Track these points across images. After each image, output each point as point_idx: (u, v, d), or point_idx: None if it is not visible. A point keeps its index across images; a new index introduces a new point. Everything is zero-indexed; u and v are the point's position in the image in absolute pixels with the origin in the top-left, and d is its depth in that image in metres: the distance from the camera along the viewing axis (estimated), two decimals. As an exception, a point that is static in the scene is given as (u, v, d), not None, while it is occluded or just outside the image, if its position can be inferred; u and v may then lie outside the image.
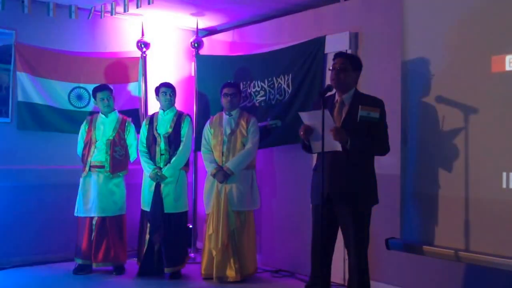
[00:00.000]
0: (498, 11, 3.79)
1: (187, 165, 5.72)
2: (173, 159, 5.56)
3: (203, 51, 6.79)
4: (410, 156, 4.31)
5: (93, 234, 5.64)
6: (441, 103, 4.08)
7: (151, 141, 5.67)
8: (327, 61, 5.34)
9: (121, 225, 5.77)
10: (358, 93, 4.20)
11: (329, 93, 4.06)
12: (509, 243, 3.68)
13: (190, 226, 6.48)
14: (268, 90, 5.99)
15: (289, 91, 5.75)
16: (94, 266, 5.65)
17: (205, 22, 6.91)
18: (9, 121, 6.05)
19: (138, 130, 5.93)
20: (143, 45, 6.62)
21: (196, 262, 6.08)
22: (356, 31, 5.34)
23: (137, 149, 5.79)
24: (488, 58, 3.80)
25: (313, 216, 4.26)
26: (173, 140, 5.64)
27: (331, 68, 4.17)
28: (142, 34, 6.62)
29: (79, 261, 5.68)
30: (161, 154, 5.61)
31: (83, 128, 5.82)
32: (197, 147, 6.13)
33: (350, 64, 4.15)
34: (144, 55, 6.66)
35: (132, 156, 5.89)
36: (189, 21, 6.84)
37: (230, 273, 5.40)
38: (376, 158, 4.17)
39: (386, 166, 4.57)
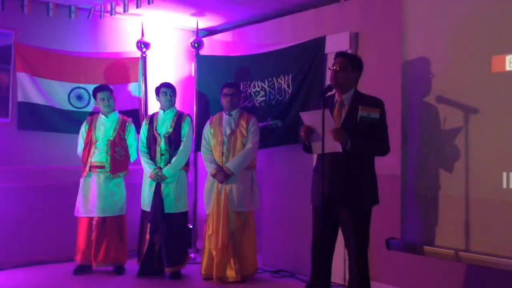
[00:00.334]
0: (498, 11, 3.79)
1: (187, 165, 5.72)
2: (174, 159, 5.56)
3: (203, 51, 6.79)
4: (410, 156, 4.31)
5: (93, 234, 5.64)
6: (441, 103, 4.08)
7: (151, 141, 5.67)
8: (327, 61, 5.34)
9: (121, 225, 5.77)
10: (358, 93, 4.18)
11: (329, 93, 4.05)
12: (509, 243, 3.68)
13: (190, 226, 6.48)
14: (268, 90, 5.99)
15: (289, 91, 5.75)
16: (94, 266, 5.65)
17: (205, 22, 6.91)
18: (9, 121, 6.05)
19: (138, 131, 5.94)
20: (143, 45, 6.62)
21: (196, 262, 6.08)
22: (356, 31, 5.34)
23: (137, 149, 5.79)
24: (489, 58, 3.80)
25: (313, 217, 4.25)
26: (173, 140, 5.64)
27: (330, 68, 4.16)
28: (142, 34, 6.62)
29: (79, 262, 5.68)
30: (161, 154, 5.61)
31: (83, 128, 5.81)
32: (197, 147, 6.13)
33: (349, 63, 4.13)
34: (144, 55, 6.66)
35: (133, 157, 5.89)
36: (189, 21, 6.84)
37: (230, 273, 5.40)
38: (377, 158, 4.17)
39: (386, 166, 4.57)
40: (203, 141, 5.67)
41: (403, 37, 4.39)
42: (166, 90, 5.70)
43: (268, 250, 6.21)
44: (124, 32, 6.82)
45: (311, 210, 4.31)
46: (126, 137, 5.81)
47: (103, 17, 6.31)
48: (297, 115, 4.48)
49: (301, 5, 5.97)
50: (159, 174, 5.52)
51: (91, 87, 6.08)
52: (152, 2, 5.62)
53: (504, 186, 3.71)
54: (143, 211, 5.71)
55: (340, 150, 3.89)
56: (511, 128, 3.69)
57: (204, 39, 6.94)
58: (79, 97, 6.40)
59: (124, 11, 5.97)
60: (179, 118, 5.71)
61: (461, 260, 3.98)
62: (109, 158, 5.68)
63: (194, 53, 6.77)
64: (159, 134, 5.65)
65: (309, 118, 4.01)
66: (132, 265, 5.81)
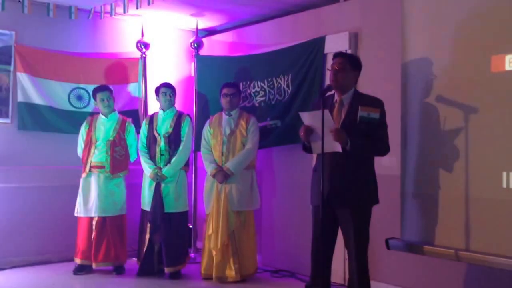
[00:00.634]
0: (498, 11, 3.80)
1: (187, 165, 5.73)
2: (173, 159, 5.57)
3: (203, 52, 6.79)
4: (410, 156, 4.32)
5: (93, 234, 5.64)
6: (441, 103, 4.09)
7: (151, 141, 5.68)
8: (326, 61, 5.35)
9: (121, 225, 5.78)
10: (358, 93, 4.19)
11: (328, 93, 4.06)
12: (509, 242, 3.68)
13: (190, 226, 6.48)
14: (268, 90, 6.00)
15: (289, 91, 5.76)
16: (94, 266, 5.65)
17: (204, 22, 6.91)
18: (9, 121, 6.06)
19: (138, 131, 5.94)
20: (142, 45, 6.62)
21: (196, 262, 6.08)
22: (355, 31, 5.35)
23: (137, 149, 5.79)
24: (488, 58, 3.81)
25: (313, 217, 4.26)
26: (173, 140, 5.64)
27: (330, 68, 4.17)
28: (142, 35, 6.62)
29: (79, 261, 5.69)
30: (161, 154, 5.62)
31: (83, 128, 5.82)
32: (197, 147, 6.13)
33: (349, 64, 4.13)
34: (144, 55, 6.66)
35: (132, 156, 5.89)
36: (188, 21, 6.84)
37: (230, 273, 5.40)
38: (376, 158, 4.17)
39: (386, 166, 4.58)
40: (202, 141, 5.67)
41: (403, 37, 4.40)
42: (165, 90, 5.71)
43: (268, 250, 6.21)
44: (124, 33, 6.82)
45: (311, 210, 4.32)
46: (126, 137, 5.82)
47: (103, 17, 6.31)
48: (296, 115, 4.49)
49: (300, 5, 5.97)
50: (159, 174, 5.53)
51: (91, 88, 6.09)
52: (152, 3, 5.62)
53: (504, 185, 3.71)
54: (143, 211, 5.72)
55: (340, 150, 3.90)
56: (510, 127, 3.70)
57: (204, 40, 6.94)
58: (79, 98, 6.40)
59: (124, 12, 5.98)
60: (178, 118, 5.72)
61: (461, 259, 3.98)
62: (109, 158, 5.68)
63: (194, 53, 6.77)
64: (159, 134, 5.65)
65: (309, 118, 4.01)
66: (132, 264, 5.82)
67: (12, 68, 6.04)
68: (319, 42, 5.49)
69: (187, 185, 5.82)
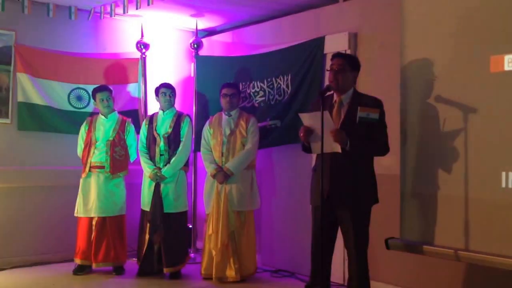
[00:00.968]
0: (497, 11, 3.80)
1: (186, 165, 5.74)
2: (173, 159, 5.58)
3: (203, 52, 6.80)
4: (409, 156, 4.32)
5: (93, 234, 5.65)
6: (440, 103, 4.09)
7: (151, 142, 5.68)
8: (326, 61, 5.34)
9: (121, 225, 5.78)
10: (357, 93, 4.20)
11: (328, 93, 4.07)
12: (508, 242, 3.68)
13: (190, 226, 6.49)
14: (268, 91, 6.01)
15: (289, 91, 5.76)
16: (94, 266, 5.66)
17: (204, 23, 6.92)
18: (9, 121, 6.06)
19: (137, 131, 5.95)
20: (142, 46, 6.63)
21: (196, 262, 6.09)
22: (355, 31, 5.35)
23: (137, 150, 5.80)
24: (487, 58, 3.81)
25: (313, 217, 4.27)
26: (173, 140, 5.65)
27: (328, 69, 4.17)
28: (142, 35, 6.63)
29: (78, 262, 5.69)
30: (160, 155, 5.63)
31: (83, 129, 5.82)
32: (197, 147, 6.14)
33: (348, 64, 4.14)
34: (144, 56, 6.67)
35: (132, 157, 5.90)
36: (188, 22, 6.85)
37: (230, 273, 5.40)
38: (376, 158, 4.18)
39: (385, 166, 4.58)
40: (202, 141, 5.68)
41: (402, 37, 4.40)
42: (165, 90, 5.72)
43: (268, 250, 6.22)
44: (123, 33, 6.83)
45: (311, 210, 4.33)
46: (125, 137, 5.82)
47: (103, 18, 6.31)
48: (296, 115, 4.49)
49: (300, 5, 5.98)
50: (158, 174, 5.53)
51: (91, 88, 6.09)
52: (152, 3, 5.63)
53: (503, 185, 3.71)
54: (143, 211, 5.72)
55: (339, 151, 3.91)
56: (510, 127, 3.70)
57: (204, 40, 6.95)
58: (79, 98, 6.41)
59: (124, 13, 5.98)
60: (178, 118, 5.73)
61: (461, 259, 3.98)
62: (108, 158, 5.69)
63: (194, 53, 6.78)
64: (159, 135, 5.66)
65: (308, 119, 4.02)
66: (132, 265, 5.83)
67: (12, 68, 6.05)
68: (319, 42, 5.50)
69: (187, 185, 5.82)
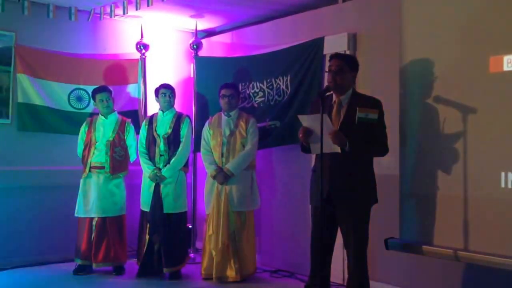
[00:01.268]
0: (496, 11, 3.81)
1: (186, 165, 5.74)
2: (173, 159, 5.58)
3: (202, 53, 6.81)
4: (408, 156, 4.33)
5: (93, 234, 5.65)
6: (440, 103, 4.10)
7: (151, 142, 5.69)
8: (325, 62, 5.33)
9: (121, 226, 5.79)
10: (356, 93, 4.20)
11: (327, 94, 4.07)
12: (507, 242, 3.70)
13: (190, 226, 6.49)
14: (267, 91, 6.01)
15: (288, 92, 5.77)
16: (94, 266, 5.67)
17: (204, 23, 6.93)
18: (9, 122, 6.06)
19: (137, 131, 5.95)
20: (142, 47, 6.64)
21: (196, 262, 6.10)
22: (354, 32, 5.36)
23: (137, 150, 5.80)
24: (486, 59, 3.82)
25: (312, 217, 4.28)
26: (172, 141, 5.65)
27: (327, 70, 4.17)
28: (141, 36, 6.64)
29: (79, 262, 5.70)
30: (160, 155, 5.63)
31: (83, 129, 5.83)
32: (196, 148, 6.15)
33: (346, 65, 4.13)
34: (144, 56, 6.68)
35: (132, 157, 5.91)
36: (188, 22, 6.85)
37: (231, 273, 5.41)
38: (375, 158, 4.19)
39: (385, 166, 4.59)
40: (202, 142, 5.68)
41: (401, 38, 4.41)
42: (165, 91, 5.72)
43: (267, 250, 6.22)
44: (123, 34, 6.83)
45: (310, 211, 4.34)
46: (125, 137, 5.83)
47: (102, 19, 6.32)
48: (296, 116, 4.50)
49: (299, 6, 5.98)
50: (158, 175, 5.54)
51: (90, 89, 6.09)
52: (151, 4, 5.64)
53: (502, 185, 3.72)
54: (142, 212, 5.72)
55: (339, 151, 3.92)
56: (509, 128, 3.71)
57: (203, 41, 6.96)
58: (79, 98, 6.42)
59: (124, 13, 5.99)
60: (178, 119, 5.73)
61: (460, 259, 3.99)
62: (108, 159, 5.70)
63: (193, 54, 6.78)
64: (158, 135, 5.66)
65: (307, 121, 4.02)
66: (132, 265, 5.83)
67: (12, 69, 6.05)
68: (318, 43, 5.50)
69: (186, 185, 5.83)
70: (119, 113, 5.98)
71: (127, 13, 5.96)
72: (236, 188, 5.45)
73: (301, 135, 4.02)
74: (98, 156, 5.70)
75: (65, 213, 6.05)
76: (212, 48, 7.06)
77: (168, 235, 5.54)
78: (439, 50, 4.14)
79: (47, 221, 6.19)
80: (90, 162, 5.70)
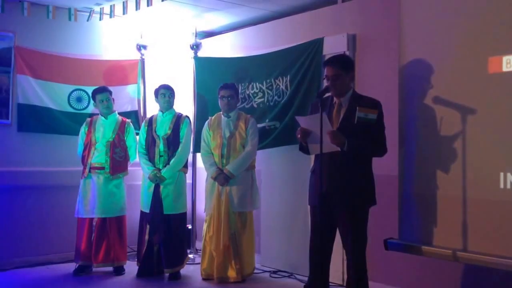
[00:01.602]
0: (495, 12, 3.81)
1: (185, 166, 5.75)
2: (172, 160, 5.59)
3: (202, 53, 6.80)
4: (408, 157, 4.33)
5: (93, 235, 5.66)
6: (439, 104, 4.10)
7: (150, 143, 5.69)
8: (325, 62, 5.36)
9: (121, 226, 5.79)
10: (356, 94, 4.21)
11: (327, 94, 4.08)
12: (507, 243, 3.69)
13: (189, 227, 6.50)
14: (267, 92, 6.02)
15: (288, 92, 5.77)
16: (94, 267, 5.68)
17: (204, 24, 6.93)
18: (9, 123, 6.07)
19: (137, 132, 5.96)
20: (142, 47, 6.64)
21: (196, 263, 6.10)
22: (354, 32, 5.37)
23: (137, 151, 5.81)
24: (485, 59, 3.82)
25: (311, 217, 4.28)
26: (172, 141, 5.66)
27: (325, 77, 4.17)
28: (141, 37, 6.64)
29: (79, 262, 5.71)
30: (160, 156, 5.64)
31: (83, 130, 5.84)
32: (196, 148, 6.15)
33: (341, 69, 4.10)
34: (143, 57, 6.68)
35: (132, 157, 5.91)
36: (188, 23, 6.85)
37: (232, 273, 5.42)
38: (374, 158, 4.19)
39: (384, 166, 4.59)
40: (202, 144, 5.68)
41: (401, 39, 4.41)
42: (164, 91, 5.73)
43: (267, 250, 6.23)
44: (123, 35, 6.84)
45: (309, 211, 4.34)
46: (125, 138, 5.84)
47: (102, 19, 6.32)
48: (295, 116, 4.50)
49: (299, 7, 5.99)
50: (158, 175, 5.54)
51: (90, 89, 6.10)
52: (151, 5, 5.64)
53: (502, 186, 3.72)
54: (142, 212, 5.73)
55: (338, 149, 3.92)
56: (508, 128, 3.71)
57: (203, 41, 6.95)
58: (79, 99, 6.42)
59: (123, 14, 5.99)
60: (177, 119, 5.74)
61: (459, 260, 3.99)
62: (108, 159, 5.70)
63: (193, 55, 6.78)
64: (158, 136, 5.67)
65: (306, 122, 4.03)
66: (132, 265, 5.83)
67: (12, 69, 6.06)
68: (318, 44, 5.51)
69: (186, 186, 5.83)
70: (119, 113, 5.99)
71: (126, 13, 5.96)
72: (237, 189, 5.45)
73: (299, 136, 4.03)
74: (98, 156, 5.71)
75: (65, 214, 6.07)
76: (212, 48, 7.06)
77: (168, 236, 5.55)
78: (438, 50, 4.14)
79: (47, 222, 6.20)
80: (90, 163, 5.70)
